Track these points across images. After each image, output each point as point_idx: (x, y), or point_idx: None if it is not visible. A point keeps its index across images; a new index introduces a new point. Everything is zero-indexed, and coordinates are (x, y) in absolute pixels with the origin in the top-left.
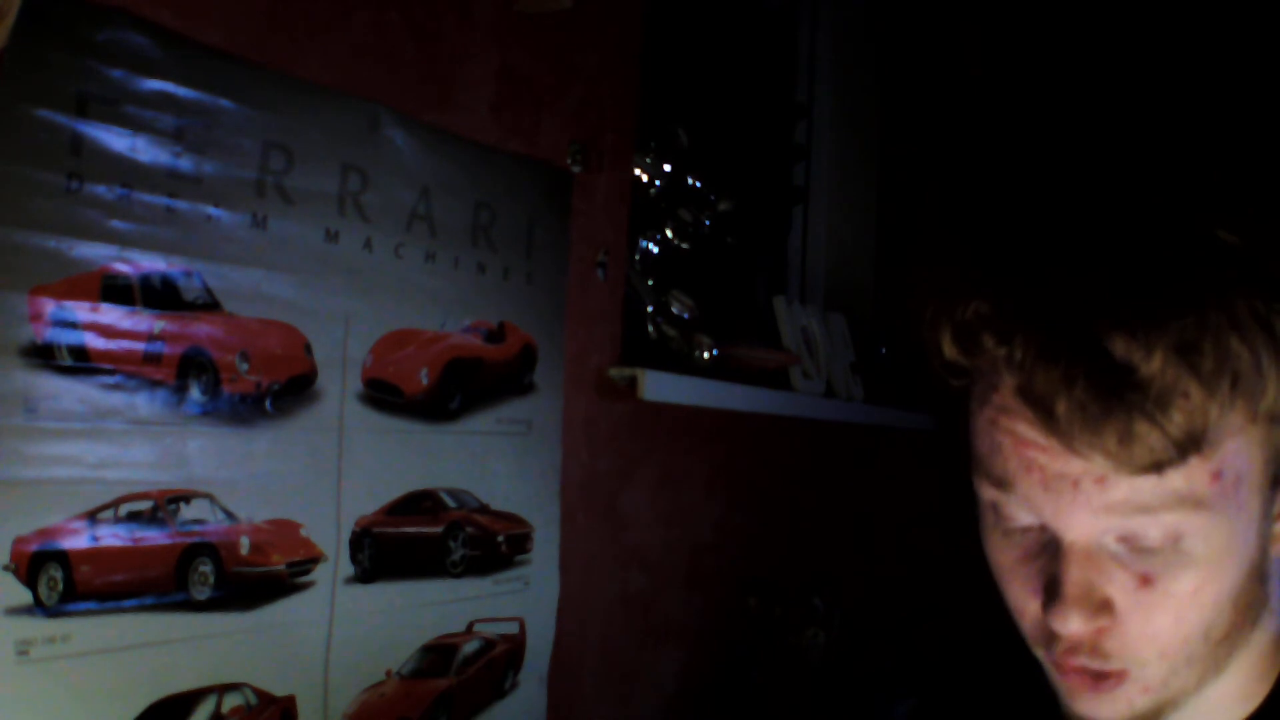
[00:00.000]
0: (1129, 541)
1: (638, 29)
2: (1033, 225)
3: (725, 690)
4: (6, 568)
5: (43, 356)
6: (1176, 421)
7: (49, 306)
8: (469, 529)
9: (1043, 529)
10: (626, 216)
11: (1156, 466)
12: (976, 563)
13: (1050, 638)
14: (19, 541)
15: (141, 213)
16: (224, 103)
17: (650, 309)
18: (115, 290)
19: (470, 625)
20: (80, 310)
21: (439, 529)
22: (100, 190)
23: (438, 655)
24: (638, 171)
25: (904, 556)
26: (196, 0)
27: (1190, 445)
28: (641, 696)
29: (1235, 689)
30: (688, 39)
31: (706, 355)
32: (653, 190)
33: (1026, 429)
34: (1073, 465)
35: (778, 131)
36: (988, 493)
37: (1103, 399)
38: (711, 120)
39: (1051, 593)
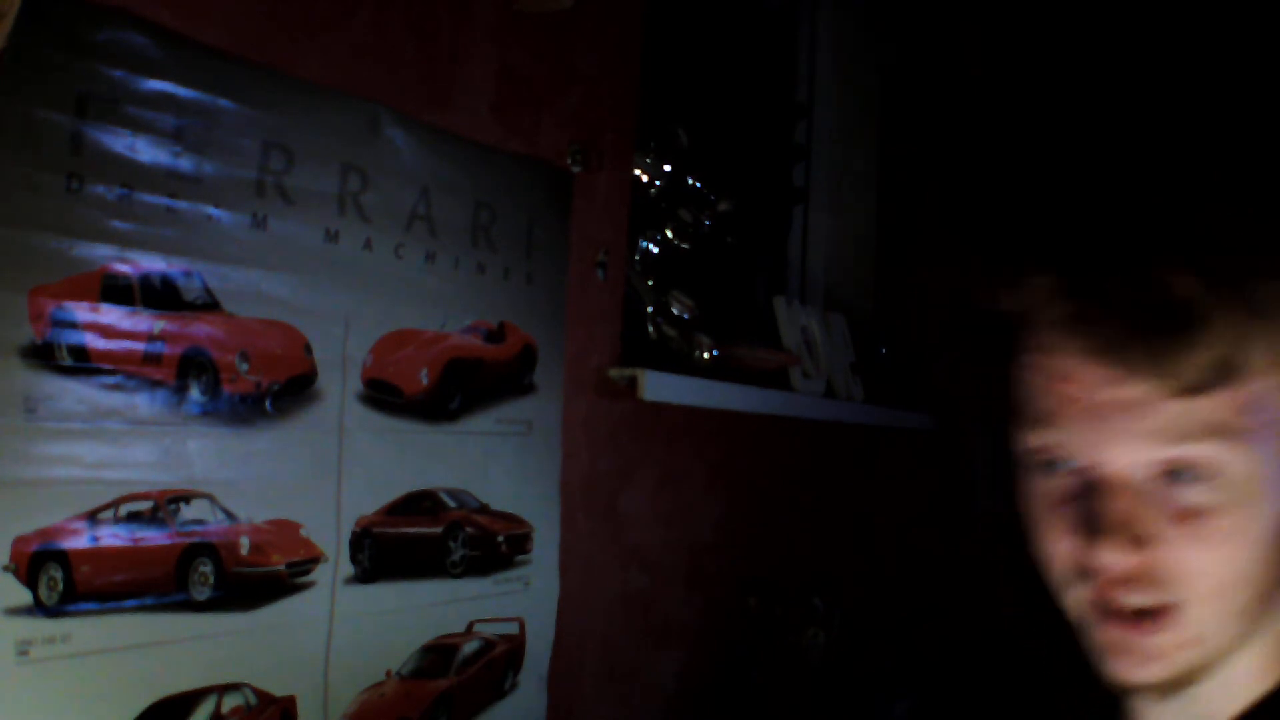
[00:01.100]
0: (1166, 475)
1: (638, 29)
2: (1075, 169)
3: (725, 690)
4: (6, 568)
5: (43, 356)
6: (1212, 345)
7: (49, 306)
8: (469, 529)
9: (1081, 470)
10: (626, 216)
11: (1193, 389)
12: (976, 562)
13: (1083, 575)
14: (19, 541)
15: (141, 213)
16: (224, 103)
17: (650, 309)
18: (115, 290)
19: (470, 625)
20: (80, 310)
21: (439, 529)
22: (100, 190)
23: (438, 655)
24: (638, 171)
25: (904, 556)
26: (196, 0)
27: (1224, 371)
28: (641, 696)
29: (1262, 657)
30: (688, 39)
31: (706, 355)
32: (653, 190)
33: (1069, 363)
34: (1115, 394)
35: (778, 131)
36: (1031, 437)
37: (1143, 322)
38: (711, 120)
39: (1091, 527)
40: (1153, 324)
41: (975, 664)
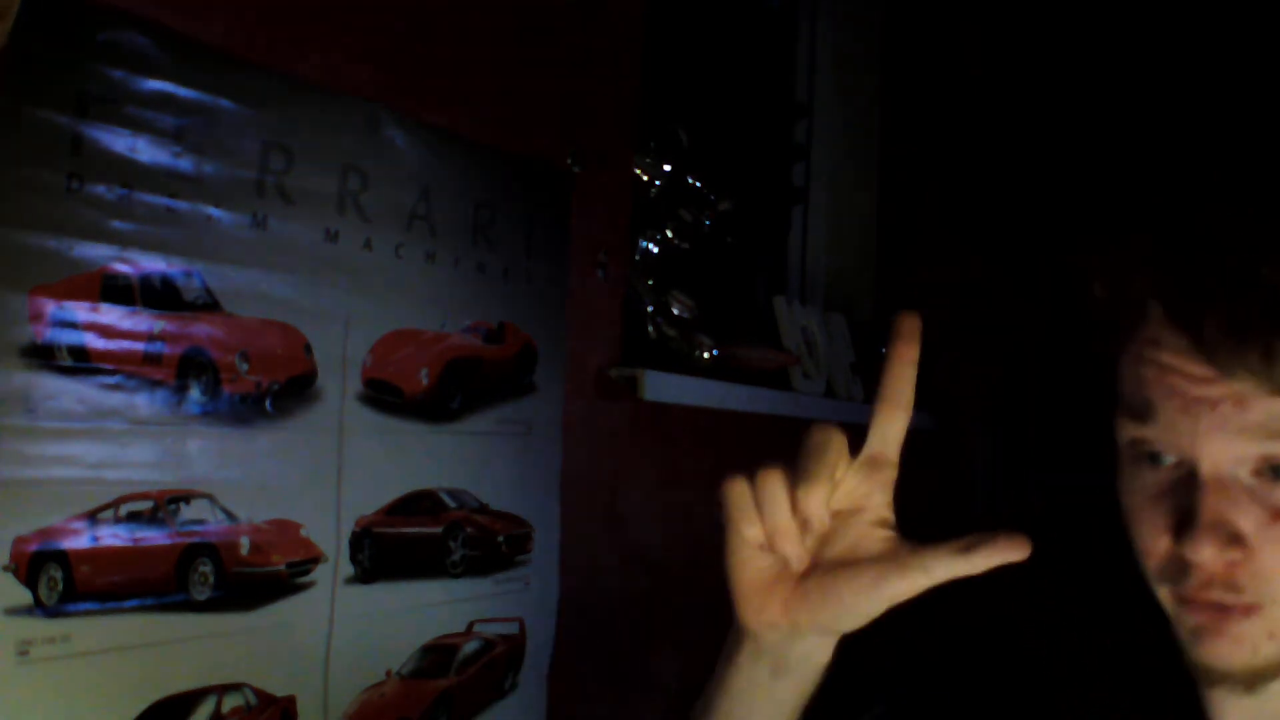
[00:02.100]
0: (1264, 474)
1: (638, 29)
2: (1181, 168)
3: None
4: (6, 568)
5: (43, 356)
6: None
7: (49, 306)
8: (469, 529)
9: (1179, 465)
10: (626, 216)
11: None
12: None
13: (1180, 571)
14: (19, 541)
15: (141, 213)
16: (224, 103)
17: (650, 309)
18: (115, 290)
19: (470, 625)
20: (80, 310)
21: (439, 529)
22: (100, 190)
23: (438, 655)
24: (638, 171)
25: None
26: (196, 0)
27: None
28: (641, 696)
29: None
30: (688, 39)
31: (706, 355)
32: (653, 190)
33: (1171, 357)
34: (1214, 389)
35: (778, 131)
36: (1128, 430)
37: (1248, 318)
38: (711, 120)
39: (1185, 523)
40: (1253, 321)
41: (976, 664)
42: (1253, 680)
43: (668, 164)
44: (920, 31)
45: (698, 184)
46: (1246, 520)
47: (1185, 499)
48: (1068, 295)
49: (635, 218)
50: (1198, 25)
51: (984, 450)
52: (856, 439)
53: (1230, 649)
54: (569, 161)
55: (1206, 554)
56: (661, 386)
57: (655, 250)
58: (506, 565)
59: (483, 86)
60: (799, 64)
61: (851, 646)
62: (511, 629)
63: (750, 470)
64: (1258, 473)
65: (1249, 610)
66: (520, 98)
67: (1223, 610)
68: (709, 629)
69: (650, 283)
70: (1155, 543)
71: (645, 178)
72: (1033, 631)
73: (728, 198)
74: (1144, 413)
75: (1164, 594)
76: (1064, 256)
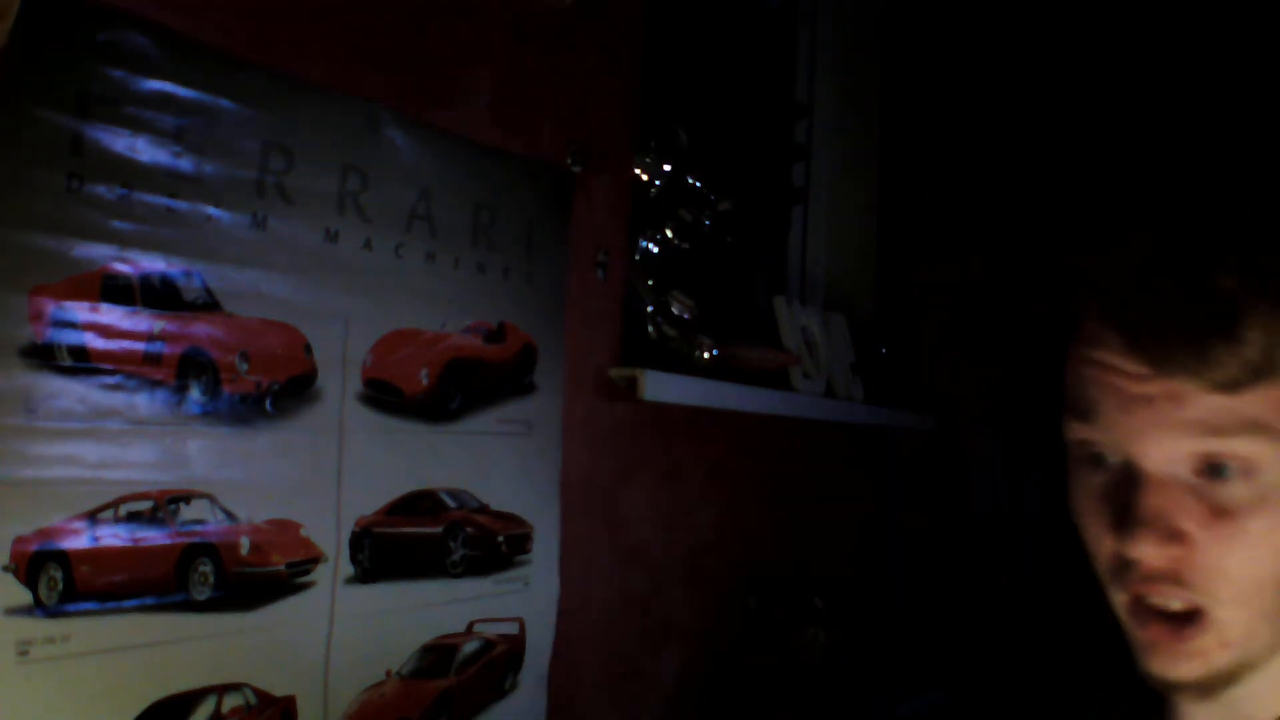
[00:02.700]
0: (1203, 471)
1: (638, 29)
2: (1118, 173)
3: (725, 690)
4: (6, 568)
5: (43, 356)
6: (1251, 341)
7: (49, 306)
8: (469, 529)
9: (1122, 464)
10: (626, 216)
11: (1229, 385)
12: (977, 562)
13: (1125, 570)
14: (19, 541)
15: (141, 213)
16: (224, 103)
17: (650, 309)
18: (115, 290)
19: (470, 625)
20: (80, 310)
21: (439, 529)
22: (100, 190)
23: (438, 655)
24: (638, 171)
25: (904, 556)
26: (196, 0)
27: (1263, 368)
28: (641, 696)
29: None
30: (688, 39)
31: (706, 355)
32: (653, 190)
33: (1109, 355)
34: (1151, 386)
35: (778, 131)
36: (1074, 430)
37: (1181, 315)
38: (711, 120)
39: (1125, 520)
40: (1193, 321)
41: (977, 664)
42: (1209, 688)
43: (668, 164)
44: (920, 31)
45: (698, 184)
46: (1187, 517)
47: (1126, 497)
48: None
49: (635, 218)
50: (1195, 26)
51: (984, 450)
52: (856, 439)
53: (1185, 664)
54: (569, 161)
55: (1146, 550)
56: (661, 386)
57: (655, 250)
58: (506, 565)
59: (483, 86)
60: (799, 64)
61: (879, 643)
62: (511, 629)
63: (750, 470)
64: (1199, 470)
65: (1200, 624)
66: (520, 98)
67: (1175, 627)
68: (709, 629)
69: (650, 283)
70: (1101, 542)
71: (645, 178)
72: (1033, 631)
73: (728, 198)
74: (1086, 412)
75: (1117, 601)
76: (955, 262)
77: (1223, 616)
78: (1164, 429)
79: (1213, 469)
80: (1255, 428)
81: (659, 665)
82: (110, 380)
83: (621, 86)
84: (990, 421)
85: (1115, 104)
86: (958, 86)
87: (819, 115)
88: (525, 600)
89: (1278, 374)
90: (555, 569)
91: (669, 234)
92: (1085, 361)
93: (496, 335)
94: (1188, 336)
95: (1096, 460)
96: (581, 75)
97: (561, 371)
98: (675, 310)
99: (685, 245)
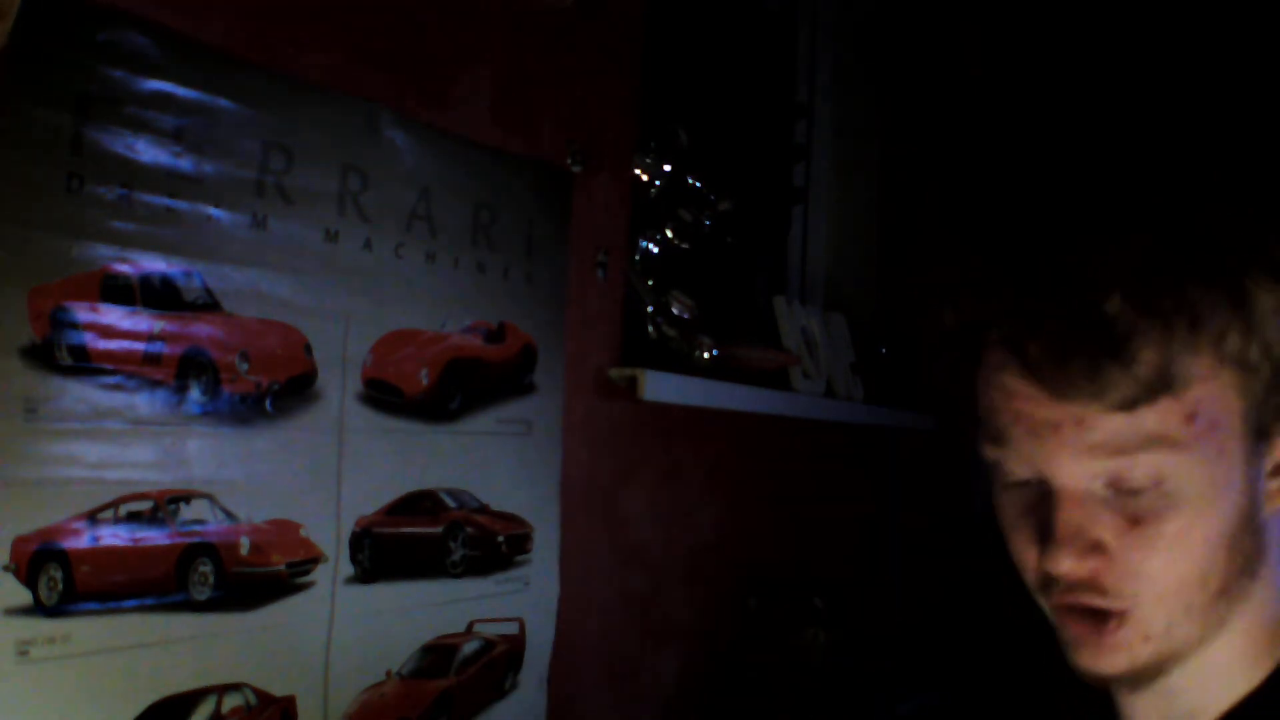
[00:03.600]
0: (1115, 485)
1: (638, 29)
2: (1009, 197)
3: (725, 690)
4: (6, 568)
5: (43, 356)
6: (1142, 359)
7: (49, 306)
8: (469, 529)
9: (1039, 482)
10: (626, 216)
11: (1128, 404)
12: (976, 562)
13: (1048, 582)
14: (19, 541)
15: (141, 213)
16: (224, 103)
17: (650, 309)
18: (115, 290)
19: (470, 625)
20: (80, 310)
21: (439, 529)
22: (100, 190)
23: (438, 655)
24: (638, 171)
25: (904, 556)
26: (196, 0)
27: (1159, 384)
28: (641, 696)
29: (1241, 650)
30: (688, 39)
31: (706, 355)
32: (653, 190)
33: (1013, 381)
34: (1055, 411)
35: (778, 131)
36: (989, 452)
37: (1068, 339)
38: (711, 120)
39: (1045, 537)
40: (1081, 345)
41: (977, 664)
42: (1136, 681)
43: (668, 164)
44: (920, 31)
45: (698, 184)
46: (1104, 529)
47: (1044, 514)
48: (920, 346)
49: (635, 218)
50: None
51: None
52: (856, 439)
53: (1108, 658)
54: (569, 161)
55: (1066, 565)
56: (661, 386)
57: (655, 250)
58: (506, 565)
59: (483, 86)
60: (799, 64)
61: (879, 643)
62: (511, 629)
63: (750, 470)
64: (1110, 484)
65: (1122, 618)
66: (520, 98)
67: (1097, 624)
68: (709, 629)
69: (650, 283)
70: (1026, 556)
71: (645, 178)
72: (1036, 630)
73: (728, 198)
74: (997, 437)
75: (1044, 605)
76: (955, 262)
77: (1143, 614)
78: (1073, 453)
79: (1122, 482)
80: (1160, 440)
81: (659, 665)
82: (110, 380)
83: (621, 86)
84: None
85: (1111, 104)
86: (958, 86)
87: (819, 115)
88: (525, 600)
89: (1180, 385)
90: (555, 569)
91: (669, 234)
92: (993, 386)
93: (496, 335)
94: (1078, 363)
95: (1013, 478)
96: (581, 75)
97: (561, 371)
98: (675, 310)
99: (685, 245)
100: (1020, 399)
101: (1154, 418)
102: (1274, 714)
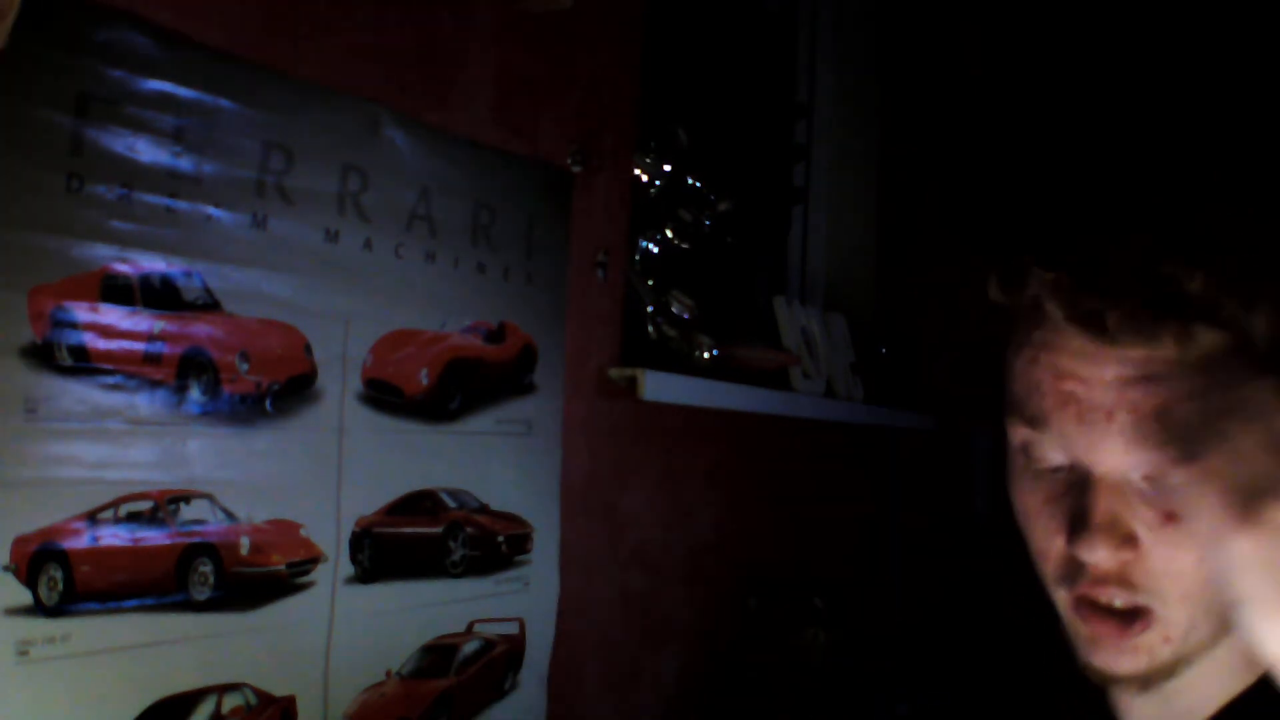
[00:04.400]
0: (1153, 478)
1: (638, 29)
2: (1085, 167)
3: (725, 690)
4: (6, 568)
5: (43, 356)
6: (1210, 347)
7: (49, 306)
8: (469, 529)
9: (1072, 468)
10: (626, 216)
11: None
12: (976, 562)
13: (1074, 572)
14: (19, 541)
15: (141, 213)
16: (224, 103)
17: (650, 309)
18: (115, 290)
19: (470, 625)
20: (80, 310)
21: (439, 529)
22: (100, 190)
23: (438, 655)
24: (638, 171)
25: (904, 556)
26: (196, 0)
27: (1219, 373)
28: (641, 696)
29: (1242, 650)
30: (688, 39)
31: (706, 355)
32: (653, 190)
33: (1068, 361)
34: (1109, 396)
35: (778, 131)
36: (1020, 434)
37: (1152, 310)
38: (711, 120)
39: (1078, 524)
40: (1155, 320)
41: (977, 664)
42: (1149, 682)
43: (668, 164)
44: (920, 31)
45: (698, 184)
46: (1139, 521)
47: (1079, 501)
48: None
49: (635, 218)
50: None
51: (984, 450)
52: (856, 439)
53: (1129, 658)
54: (569, 161)
55: (1100, 554)
56: (661, 386)
57: (655, 250)
58: (506, 565)
59: (483, 87)
60: (799, 64)
61: (875, 643)
62: (511, 629)
63: (750, 470)
64: (1149, 477)
65: (1146, 619)
66: (520, 98)
67: (1120, 624)
68: (709, 629)
69: (650, 283)
70: (1050, 544)
71: (645, 178)
72: (1037, 630)
73: (728, 198)
74: (1035, 419)
75: (1060, 598)
76: (955, 262)
77: (1167, 613)
78: (1122, 441)
79: (1164, 476)
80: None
81: (659, 665)
82: (110, 380)
83: (621, 86)
84: (990, 421)
85: (1114, 104)
86: (957, 86)
87: (819, 115)
88: (525, 600)
89: (1234, 377)
90: (555, 569)
91: (669, 234)
92: (1040, 366)
93: (496, 335)
94: (1150, 340)
95: (1044, 463)
96: (581, 75)
97: (561, 371)
98: (675, 310)
99: (685, 245)
100: (1074, 380)
101: (1206, 409)
102: (1265, 712)
